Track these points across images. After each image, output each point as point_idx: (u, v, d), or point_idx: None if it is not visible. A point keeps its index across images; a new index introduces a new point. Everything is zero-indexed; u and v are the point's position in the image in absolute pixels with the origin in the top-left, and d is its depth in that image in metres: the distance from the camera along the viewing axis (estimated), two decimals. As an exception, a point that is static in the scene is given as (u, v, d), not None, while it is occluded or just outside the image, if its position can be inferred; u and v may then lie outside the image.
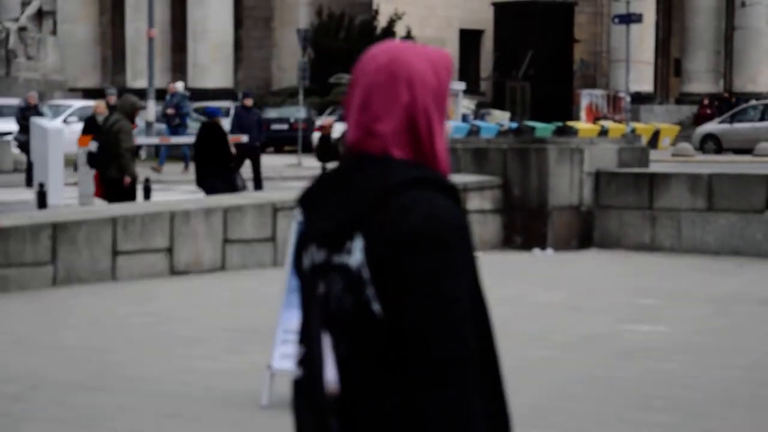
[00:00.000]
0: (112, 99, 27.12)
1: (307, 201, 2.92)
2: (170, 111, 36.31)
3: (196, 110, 39.80)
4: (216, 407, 8.57)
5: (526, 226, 17.84)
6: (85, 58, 56.99)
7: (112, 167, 17.63)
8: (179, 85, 38.83)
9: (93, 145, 18.82)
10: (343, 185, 2.84)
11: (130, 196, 17.84)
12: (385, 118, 2.82)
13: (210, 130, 20.64)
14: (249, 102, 28.81)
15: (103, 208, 16.69)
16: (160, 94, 39.52)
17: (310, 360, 2.84)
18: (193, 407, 8.60)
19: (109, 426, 8.10)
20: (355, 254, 2.77)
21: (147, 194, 20.50)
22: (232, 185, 19.22)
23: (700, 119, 47.92)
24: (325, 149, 11.02)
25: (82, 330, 10.67)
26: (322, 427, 2.80)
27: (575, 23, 57.63)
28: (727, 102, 49.48)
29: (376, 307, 2.74)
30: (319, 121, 11.39)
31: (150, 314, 12.45)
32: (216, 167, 19.77)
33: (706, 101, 51.47)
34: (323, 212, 2.85)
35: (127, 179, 17.64)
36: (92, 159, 18.93)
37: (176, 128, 36.12)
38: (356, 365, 2.77)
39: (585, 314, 12.63)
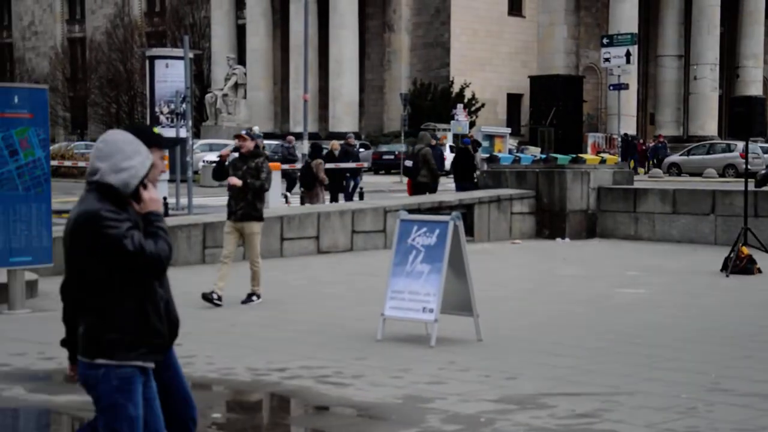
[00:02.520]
0: (337, 144, 25.08)
1: None
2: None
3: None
4: (347, 340, 8.59)
5: (551, 223, 17.68)
6: (264, 113, 57.50)
7: (419, 176, 18.76)
8: (256, 129, 37.29)
9: (409, 163, 19.70)
10: None
11: (431, 191, 18.84)
12: None
13: (464, 153, 21.01)
14: (434, 142, 25.95)
15: (273, 210, 16.78)
16: (312, 136, 39.47)
17: None
18: (333, 339, 8.63)
19: (283, 350, 8.14)
20: None
21: (361, 196, 21.75)
22: (475, 186, 19.22)
23: (641, 153, 46.95)
24: (219, 171, 10.89)
25: (263, 289, 10.75)
26: None
27: (584, 89, 56.99)
28: (661, 144, 48.29)
29: None
30: (221, 150, 11.10)
31: (305, 279, 12.52)
32: (466, 175, 19.86)
33: (642, 140, 50.46)
34: None
35: (437, 181, 19.24)
36: (407, 171, 19.88)
37: None
38: None
39: (590, 281, 12.47)
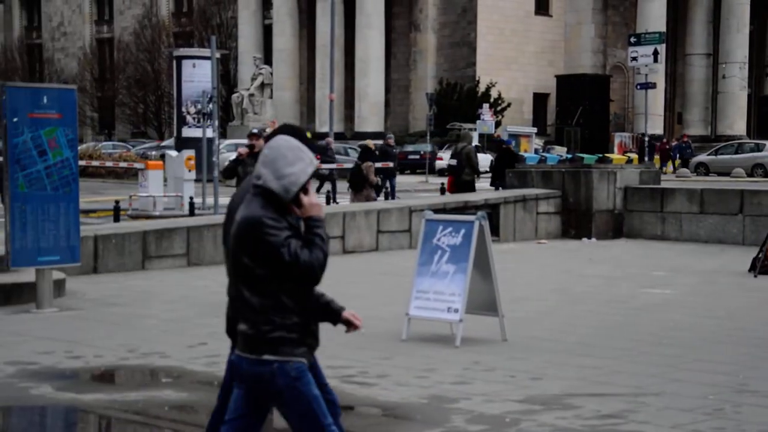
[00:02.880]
0: (391, 140, 26.26)
1: None
2: None
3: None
4: (372, 340, 8.59)
5: (577, 223, 17.61)
6: (290, 113, 57.69)
7: (463, 174, 18.96)
8: (268, 130, 36.69)
9: (453, 161, 19.90)
10: None
11: (473, 189, 19.21)
12: None
13: (507, 152, 21.74)
14: (508, 146, 24.84)
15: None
16: (337, 136, 39.48)
17: None
18: (358, 339, 8.60)
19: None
20: None
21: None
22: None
23: (662, 152, 46.48)
24: (232, 170, 10.46)
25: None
26: None
27: (611, 89, 56.71)
28: (685, 143, 47.84)
29: None
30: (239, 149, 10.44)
31: (330, 279, 12.50)
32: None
33: (665, 140, 49.93)
34: None
35: (476, 179, 19.62)
36: (451, 169, 20.05)
37: None
38: None
39: (616, 281, 12.41)
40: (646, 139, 45.06)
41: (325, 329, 9.67)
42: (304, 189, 3.79)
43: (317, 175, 22.34)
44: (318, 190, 25.16)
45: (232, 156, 34.84)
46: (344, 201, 23.53)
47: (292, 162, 3.77)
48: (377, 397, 6.68)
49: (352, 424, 6.40)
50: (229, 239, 3.92)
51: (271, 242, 3.68)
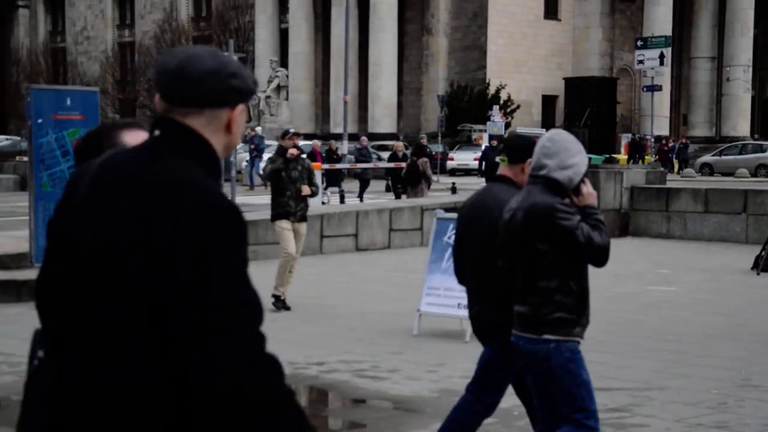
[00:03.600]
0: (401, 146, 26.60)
1: None
2: (253, 147, 32.04)
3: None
4: (384, 335, 8.60)
5: (584, 222, 17.59)
6: (305, 114, 57.70)
7: None
8: (258, 129, 36.43)
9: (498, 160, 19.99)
10: None
11: None
12: None
13: None
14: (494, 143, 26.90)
15: (314, 208, 16.83)
16: (351, 137, 39.40)
17: None
18: (370, 334, 8.65)
19: (321, 344, 8.16)
20: None
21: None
22: None
23: (661, 153, 46.15)
24: (275, 173, 10.17)
25: (303, 285, 10.80)
26: None
27: (618, 91, 56.50)
28: (683, 144, 47.58)
29: None
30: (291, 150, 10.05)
31: (343, 276, 12.55)
32: None
33: (664, 141, 49.57)
34: None
35: None
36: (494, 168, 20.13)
37: (254, 159, 31.08)
38: None
39: (623, 279, 12.38)
40: (651, 139, 44.90)
41: (338, 325, 9.73)
42: (582, 179, 3.92)
43: (358, 176, 21.95)
44: (361, 193, 24.68)
45: (249, 156, 34.20)
46: (378, 200, 23.50)
47: (574, 154, 3.95)
48: (389, 390, 6.68)
49: (364, 416, 6.40)
50: (474, 243, 4.23)
51: (566, 226, 3.79)
